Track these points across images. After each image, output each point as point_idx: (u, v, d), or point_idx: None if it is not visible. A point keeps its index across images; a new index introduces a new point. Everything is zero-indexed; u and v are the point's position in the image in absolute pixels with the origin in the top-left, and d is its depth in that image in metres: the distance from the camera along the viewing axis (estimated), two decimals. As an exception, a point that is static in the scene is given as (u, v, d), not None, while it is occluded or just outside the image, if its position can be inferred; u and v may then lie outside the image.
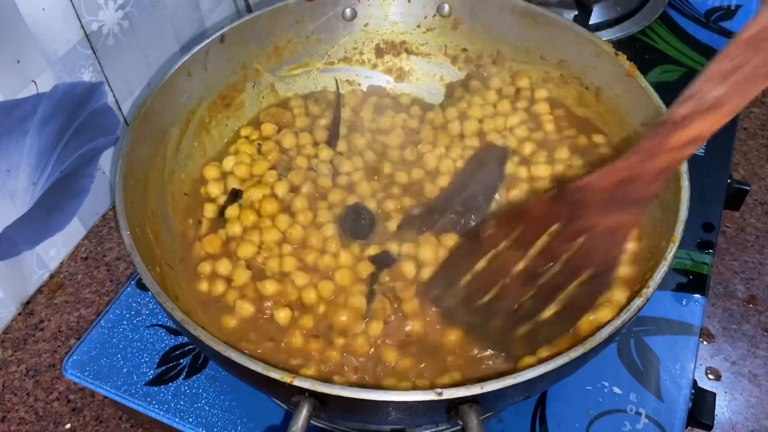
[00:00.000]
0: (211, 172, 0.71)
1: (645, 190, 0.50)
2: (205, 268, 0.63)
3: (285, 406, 0.64)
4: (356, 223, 0.66)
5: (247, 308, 0.60)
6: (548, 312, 0.53)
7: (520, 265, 0.55)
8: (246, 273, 0.63)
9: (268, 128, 0.76)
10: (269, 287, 0.61)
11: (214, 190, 0.70)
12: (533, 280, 0.53)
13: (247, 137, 0.75)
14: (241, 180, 0.70)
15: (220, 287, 0.62)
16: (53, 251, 0.79)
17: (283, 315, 0.60)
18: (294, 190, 0.69)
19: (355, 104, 0.80)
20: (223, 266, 0.63)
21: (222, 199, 0.69)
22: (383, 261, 0.64)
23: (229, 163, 0.72)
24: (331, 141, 0.75)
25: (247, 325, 0.60)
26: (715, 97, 0.45)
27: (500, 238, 0.56)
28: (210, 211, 0.68)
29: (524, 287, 0.54)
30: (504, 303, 0.54)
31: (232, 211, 0.67)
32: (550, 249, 0.53)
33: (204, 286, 0.62)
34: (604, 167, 0.52)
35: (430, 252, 0.63)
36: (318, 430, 0.63)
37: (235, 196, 0.69)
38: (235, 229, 0.66)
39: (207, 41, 0.70)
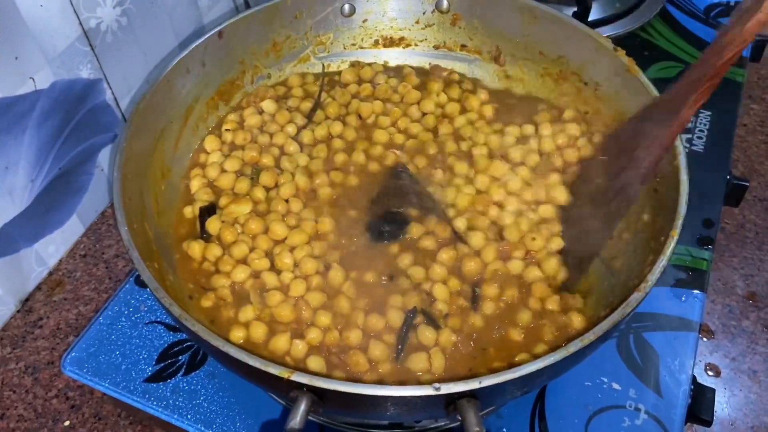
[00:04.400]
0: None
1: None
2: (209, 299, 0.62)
3: (283, 402, 0.64)
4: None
5: (261, 330, 0.59)
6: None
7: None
8: (251, 309, 0.60)
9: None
10: (284, 312, 0.59)
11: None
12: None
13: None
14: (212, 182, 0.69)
15: (229, 312, 0.60)
16: (52, 248, 0.79)
17: (301, 347, 0.57)
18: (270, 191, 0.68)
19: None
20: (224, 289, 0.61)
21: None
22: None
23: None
24: (309, 114, 0.75)
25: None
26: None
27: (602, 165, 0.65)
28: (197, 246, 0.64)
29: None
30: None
31: (212, 225, 0.65)
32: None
33: (208, 303, 0.61)
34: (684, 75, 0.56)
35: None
36: (316, 425, 0.63)
37: (207, 212, 0.66)
38: (217, 253, 0.63)
39: (205, 37, 0.70)
